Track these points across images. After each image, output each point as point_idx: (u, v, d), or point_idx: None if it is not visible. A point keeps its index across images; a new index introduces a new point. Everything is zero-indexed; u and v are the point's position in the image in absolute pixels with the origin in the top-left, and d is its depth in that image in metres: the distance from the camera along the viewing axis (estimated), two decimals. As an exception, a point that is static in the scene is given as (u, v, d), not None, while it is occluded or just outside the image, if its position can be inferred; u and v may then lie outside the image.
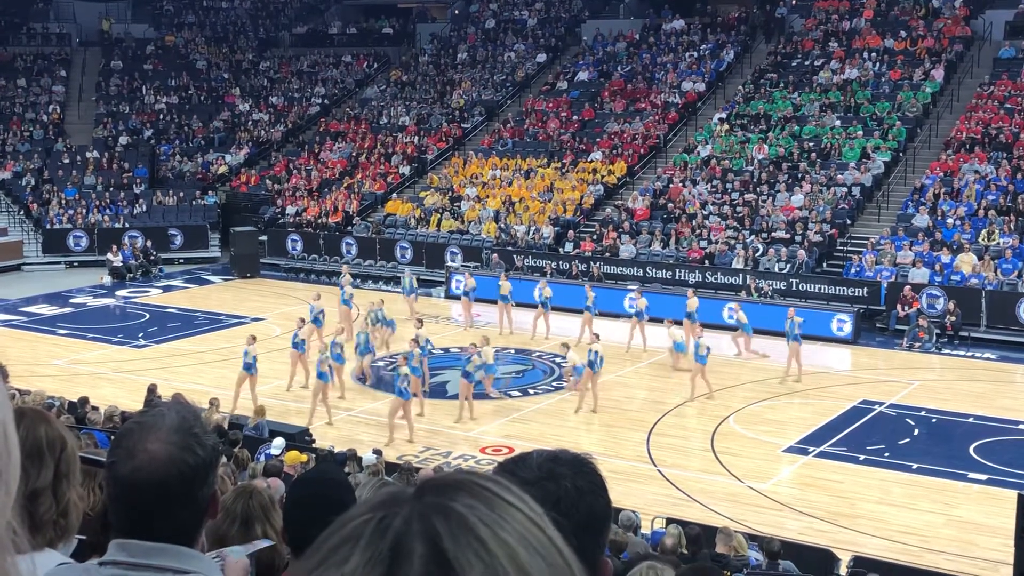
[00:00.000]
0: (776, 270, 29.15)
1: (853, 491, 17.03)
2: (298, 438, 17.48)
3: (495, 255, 32.21)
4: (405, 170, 39.93)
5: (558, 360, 24.55)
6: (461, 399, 20.76)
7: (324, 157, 41.98)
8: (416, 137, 41.67)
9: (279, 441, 15.84)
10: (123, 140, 43.60)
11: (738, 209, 32.18)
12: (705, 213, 32.40)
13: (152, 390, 18.83)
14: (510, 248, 32.90)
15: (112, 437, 2.95)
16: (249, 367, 20.78)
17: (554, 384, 23.19)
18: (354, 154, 41.66)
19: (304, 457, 14.51)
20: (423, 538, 0.98)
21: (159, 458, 2.01)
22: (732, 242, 30.62)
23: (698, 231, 31.71)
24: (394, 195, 38.55)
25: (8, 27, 49.45)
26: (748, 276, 28.72)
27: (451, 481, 1.04)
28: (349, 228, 36.91)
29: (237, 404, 20.21)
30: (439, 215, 36.01)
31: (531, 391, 22.76)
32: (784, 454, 18.83)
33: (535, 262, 31.41)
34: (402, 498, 1.03)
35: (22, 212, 39.25)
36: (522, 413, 21.34)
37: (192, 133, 45.08)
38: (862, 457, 18.42)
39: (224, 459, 10.72)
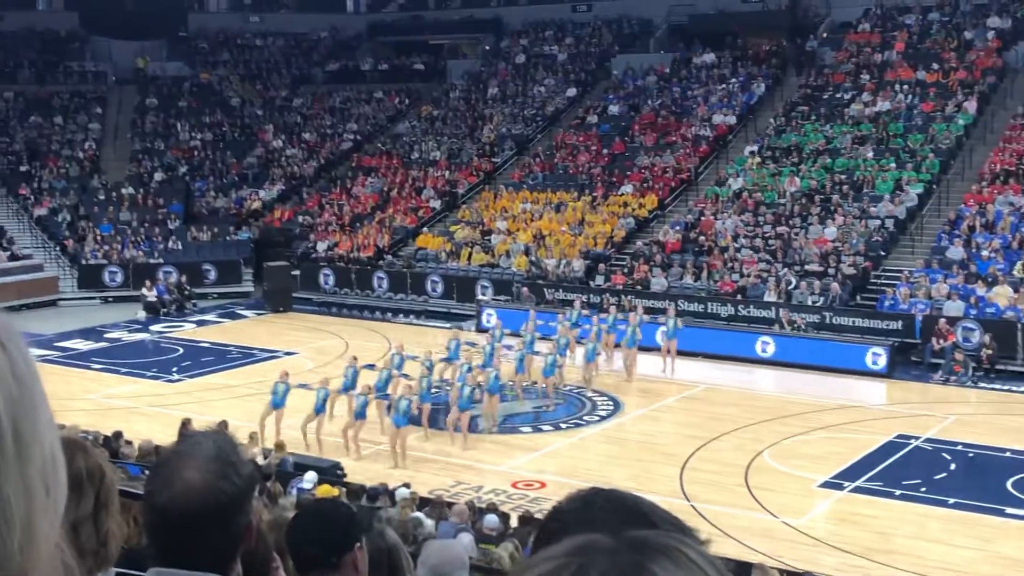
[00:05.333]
0: (809, 303, 28.97)
1: (889, 526, 16.84)
2: (329, 472, 17.50)
3: (525, 288, 32.22)
4: (436, 204, 40.11)
5: (588, 394, 24.50)
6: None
7: (356, 192, 42.23)
8: (447, 171, 41.87)
9: (311, 475, 15.87)
10: (158, 176, 44.05)
11: (770, 242, 32.05)
12: (737, 246, 32.29)
13: (186, 424, 18.88)
14: (540, 282, 32.91)
15: (146, 469, 2.97)
16: (278, 402, 20.90)
17: (585, 419, 23.09)
18: (385, 189, 41.88)
19: (336, 491, 14.50)
20: None
21: (196, 486, 2.02)
22: (764, 275, 30.47)
23: (730, 264, 31.60)
24: (425, 229, 38.69)
25: (46, 66, 50.20)
26: (781, 309, 28.56)
27: (655, 543, 1.05)
28: (380, 262, 37.07)
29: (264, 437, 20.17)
30: (470, 249, 36.10)
31: (563, 425, 22.68)
32: (819, 489, 18.65)
33: (566, 295, 31.38)
34: (600, 548, 1.04)
35: (58, 248, 39.69)
36: (553, 448, 21.27)
37: (226, 169, 45.48)
38: (898, 492, 18.21)
39: (256, 493, 10.72)
